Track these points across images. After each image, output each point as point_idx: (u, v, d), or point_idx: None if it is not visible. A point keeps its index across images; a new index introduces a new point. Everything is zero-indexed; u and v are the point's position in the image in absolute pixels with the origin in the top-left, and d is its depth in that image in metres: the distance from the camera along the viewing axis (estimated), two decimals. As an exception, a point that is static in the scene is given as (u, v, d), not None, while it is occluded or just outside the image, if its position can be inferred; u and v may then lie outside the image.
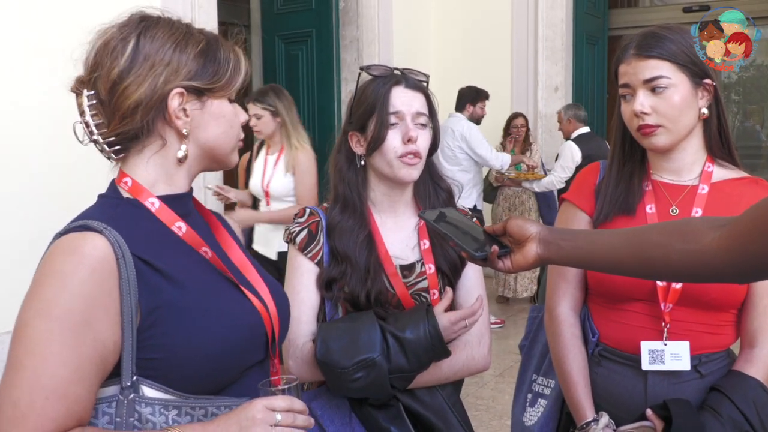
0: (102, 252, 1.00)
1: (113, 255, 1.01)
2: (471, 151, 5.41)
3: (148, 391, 1.04)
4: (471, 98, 5.61)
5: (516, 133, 6.02)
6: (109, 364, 1.01)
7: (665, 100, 1.47)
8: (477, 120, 5.65)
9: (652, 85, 1.48)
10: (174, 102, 1.10)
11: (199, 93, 1.12)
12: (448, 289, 1.55)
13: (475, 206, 5.54)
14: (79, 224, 1.04)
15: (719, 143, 1.56)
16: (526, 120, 6.14)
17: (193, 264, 1.12)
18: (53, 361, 0.96)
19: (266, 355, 1.19)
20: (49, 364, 0.96)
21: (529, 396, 1.73)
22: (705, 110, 1.52)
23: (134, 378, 1.03)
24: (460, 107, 5.61)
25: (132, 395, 1.03)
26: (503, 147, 6.00)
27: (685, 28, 1.51)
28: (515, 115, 6.17)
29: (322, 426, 1.51)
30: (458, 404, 1.62)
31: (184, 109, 1.11)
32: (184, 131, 1.12)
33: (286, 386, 1.07)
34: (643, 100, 1.48)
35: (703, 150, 1.57)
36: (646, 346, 1.49)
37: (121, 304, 1.01)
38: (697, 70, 1.49)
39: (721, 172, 1.56)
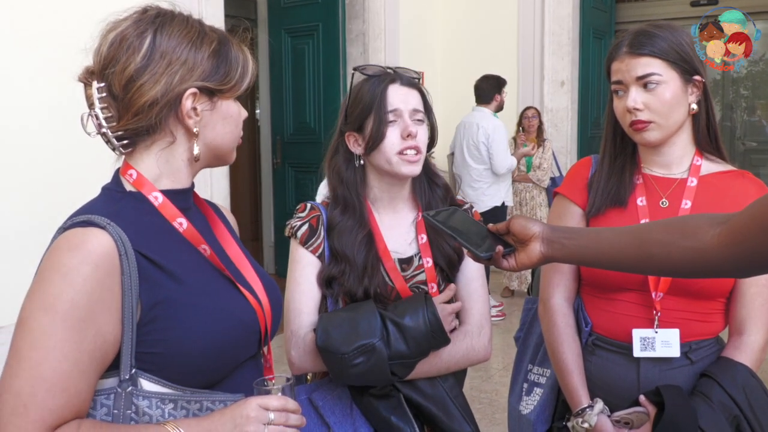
0: (105, 248, 1.02)
1: (116, 251, 1.02)
2: (488, 149, 5.31)
3: (146, 385, 1.05)
4: (497, 88, 5.47)
5: (527, 124, 5.98)
6: (108, 358, 1.03)
7: (657, 97, 1.52)
8: (501, 107, 5.55)
9: (645, 82, 1.52)
10: (188, 102, 1.10)
11: (210, 93, 1.12)
12: (452, 285, 1.56)
13: (503, 203, 5.48)
14: (83, 219, 1.05)
15: (707, 138, 1.61)
16: (539, 112, 6.11)
17: (192, 260, 1.13)
18: (55, 354, 0.97)
19: (258, 351, 1.21)
20: (51, 357, 0.97)
21: (525, 385, 1.77)
22: (694, 106, 1.56)
23: (133, 371, 1.05)
24: (486, 99, 5.45)
25: (130, 388, 1.04)
26: (515, 141, 5.97)
27: (675, 26, 1.57)
28: (527, 108, 6.14)
29: (323, 417, 1.53)
30: (460, 396, 1.63)
31: (195, 108, 1.11)
32: (195, 130, 1.12)
33: (281, 386, 1.09)
34: (635, 97, 1.52)
35: (692, 144, 1.61)
36: (637, 334, 1.54)
37: (122, 300, 1.03)
38: (687, 67, 1.53)
39: (709, 166, 1.61)
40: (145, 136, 1.12)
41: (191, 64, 1.09)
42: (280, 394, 1.08)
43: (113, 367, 1.05)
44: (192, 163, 1.16)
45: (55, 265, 1.01)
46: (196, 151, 1.13)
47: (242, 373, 1.16)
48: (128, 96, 1.08)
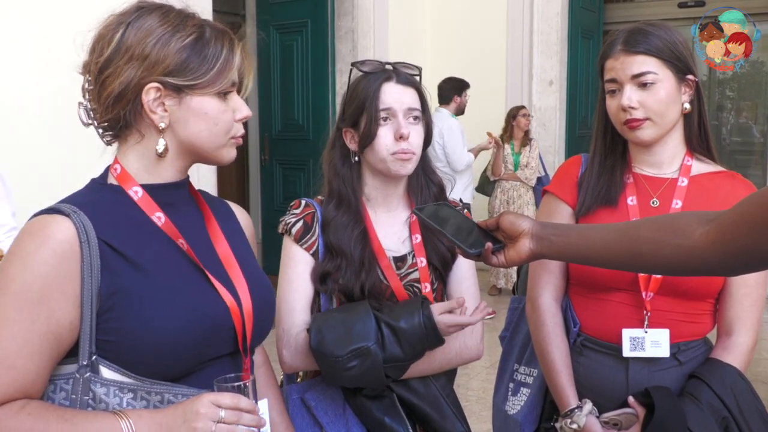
0: (65, 235, 1.04)
1: (77, 238, 1.04)
2: (443, 147, 5.44)
3: (106, 372, 1.07)
4: (457, 90, 5.61)
5: (522, 122, 5.98)
6: (64, 342, 1.05)
7: (652, 95, 1.51)
8: (462, 109, 5.66)
9: (640, 81, 1.51)
10: (149, 96, 1.09)
11: (177, 89, 1.11)
12: (461, 299, 1.50)
13: (460, 200, 5.55)
14: (51, 207, 1.08)
15: (699, 138, 1.60)
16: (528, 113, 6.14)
17: (166, 254, 1.13)
18: (4, 333, 1.01)
19: (236, 350, 1.19)
20: (0, 335, 1.01)
21: (511, 385, 1.76)
22: (687, 105, 1.56)
23: (93, 358, 1.06)
24: (445, 100, 5.59)
25: (88, 374, 1.06)
26: (502, 140, 5.98)
27: (668, 25, 1.56)
28: (520, 107, 6.15)
29: (316, 417, 1.52)
30: (452, 395, 1.63)
31: (163, 104, 1.11)
32: (161, 126, 1.11)
33: (235, 384, 1.07)
34: (630, 95, 1.51)
35: (683, 144, 1.61)
36: (627, 334, 1.53)
37: (82, 286, 1.04)
38: (681, 66, 1.53)
39: (700, 166, 1.61)
40: (118, 130, 1.14)
41: (154, 59, 1.08)
42: (236, 392, 1.06)
43: (75, 352, 1.06)
44: (165, 158, 1.15)
45: (15, 249, 1.05)
46: (160, 147, 1.13)
47: (216, 369, 1.14)
48: (98, 88, 1.11)
